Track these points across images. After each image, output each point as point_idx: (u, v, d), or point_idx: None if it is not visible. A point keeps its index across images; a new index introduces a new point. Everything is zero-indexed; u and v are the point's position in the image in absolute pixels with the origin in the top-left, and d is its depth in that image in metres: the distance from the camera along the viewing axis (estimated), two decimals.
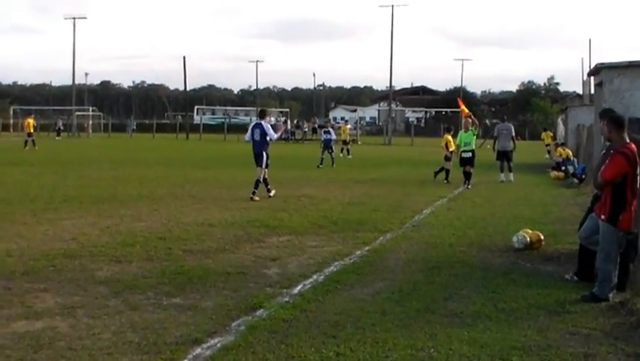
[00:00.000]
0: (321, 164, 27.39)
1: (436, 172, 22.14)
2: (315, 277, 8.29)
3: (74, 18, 75.14)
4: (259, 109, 17.61)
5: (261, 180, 15.99)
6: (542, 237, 10.57)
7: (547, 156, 37.54)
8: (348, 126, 42.13)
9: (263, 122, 16.29)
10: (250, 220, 12.57)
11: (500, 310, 6.98)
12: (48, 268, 8.43)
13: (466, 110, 21.41)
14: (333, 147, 28.73)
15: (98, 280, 7.91)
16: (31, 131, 39.54)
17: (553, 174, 24.98)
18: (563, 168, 25.19)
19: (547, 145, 40.57)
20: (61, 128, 63.79)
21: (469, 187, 19.57)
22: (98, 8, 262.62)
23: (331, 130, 29.65)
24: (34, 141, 38.54)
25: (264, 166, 16.03)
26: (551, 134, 42.77)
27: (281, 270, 8.67)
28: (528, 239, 10.36)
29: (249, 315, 6.61)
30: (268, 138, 16.11)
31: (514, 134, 23.25)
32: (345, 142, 38.25)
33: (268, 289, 7.67)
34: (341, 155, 36.80)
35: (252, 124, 16.96)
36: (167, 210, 13.85)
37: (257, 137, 16.15)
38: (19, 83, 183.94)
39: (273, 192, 16.23)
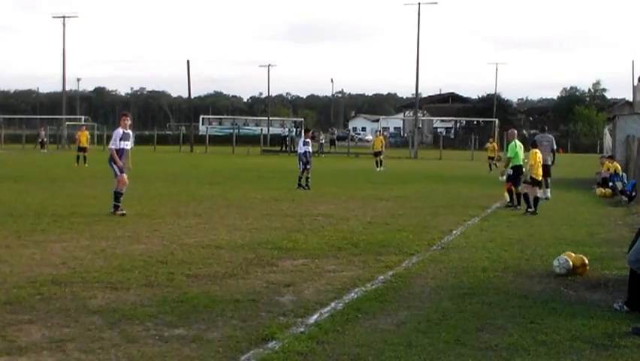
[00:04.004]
0: (303, 185, 24.55)
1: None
2: (333, 304, 8.30)
3: (64, 17, 75.92)
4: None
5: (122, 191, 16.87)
6: (587, 261, 10.52)
7: (490, 170, 37.92)
8: (384, 135, 42.76)
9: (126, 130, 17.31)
10: (261, 242, 12.61)
11: (540, 343, 6.95)
12: (34, 297, 8.42)
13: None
14: (309, 164, 25.00)
15: (91, 309, 7.92)
16: (85, 145, 38.72)
17: (599, 190, 24.85)
18: (610, 184, 25.04)
19: (490, 157, 40.87)
20: (45, 140, 62.21)
21: (519, 207, 18.80)
22: (90, 6, 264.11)
23: (309, 141, 26.15)
24: (86, 157, 37.25)
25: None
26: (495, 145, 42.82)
27: (296, 297, 8.69)
28: (571, 263, 10.31)
29: (260, 347, 6.63)
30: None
31: (554, 146, 23.10)
32: (377, 153, 39.18)
33: (281, 318, 7.69)
34: (379, 168, 37.46)
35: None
36: (169, 230, 13.92)
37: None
38: (1, 89, 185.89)
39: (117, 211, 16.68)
